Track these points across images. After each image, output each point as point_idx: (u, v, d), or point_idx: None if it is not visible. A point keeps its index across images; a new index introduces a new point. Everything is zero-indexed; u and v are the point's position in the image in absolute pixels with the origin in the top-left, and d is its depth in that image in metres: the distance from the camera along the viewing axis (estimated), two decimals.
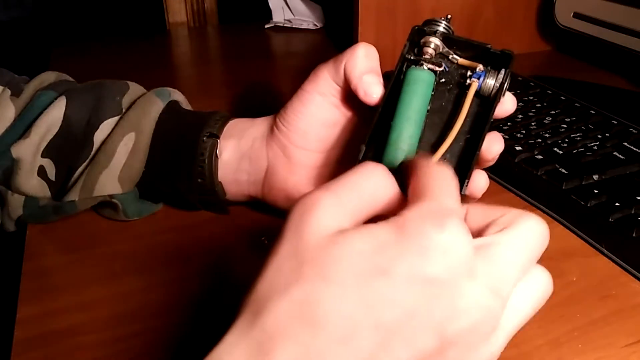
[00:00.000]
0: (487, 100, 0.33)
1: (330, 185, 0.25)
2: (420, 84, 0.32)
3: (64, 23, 1.95)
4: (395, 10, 0.76)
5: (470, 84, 0.32)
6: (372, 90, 0.35)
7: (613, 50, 0.70)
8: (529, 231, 0.25)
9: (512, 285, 0.24)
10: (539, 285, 0.26)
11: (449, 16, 0.34)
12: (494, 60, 0.33)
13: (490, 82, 0.32)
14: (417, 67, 0.33)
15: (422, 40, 0.34)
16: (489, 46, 0.33)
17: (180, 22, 1.07)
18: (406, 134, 0.31)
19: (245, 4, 1.14)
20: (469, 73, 0.33)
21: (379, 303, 0.21)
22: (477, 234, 0.26)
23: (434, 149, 0.32)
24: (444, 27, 0.34)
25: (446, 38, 0.34)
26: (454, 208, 0.24)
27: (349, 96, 0.38)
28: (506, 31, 0.84)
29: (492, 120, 0.32)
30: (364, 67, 0.36)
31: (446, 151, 0.31)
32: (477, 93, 0.33)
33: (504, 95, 0.33)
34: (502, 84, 0.32)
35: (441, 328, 0.21)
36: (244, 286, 0.23)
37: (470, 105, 0.32)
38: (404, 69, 0.34)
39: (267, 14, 1.02)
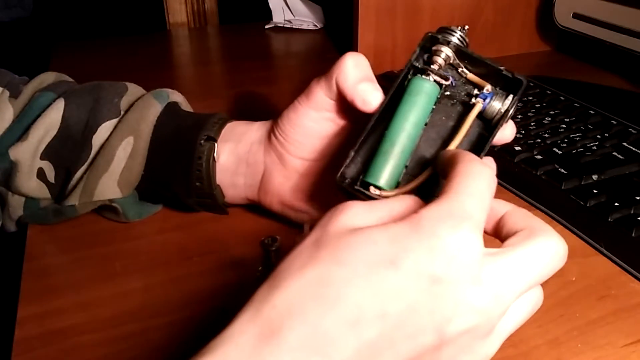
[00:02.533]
0: (488, 123, 0.32)
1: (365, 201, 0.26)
2: (423, 96, 0.31)
3: (64, 23, 1.95)
4: (395, 10, 0.76)
5: (474, 104, 0.31)
6: (370, 97, 0.34)
7: (612, 50, 0.70)
8: (545, 250, 0.25)
9: (516, 296, 0.24)
10: (533, 298, 0.26)
11: (466, 27, 0.33)
12: (504, 83, 0.32)
13: (496, 106, 0.31)
14: (423, 76, 0.32)
15: (434, 48, 0.32)
16: (502, 68, 0.32)
17: (181, 22, 1.07)
18: (398, 146, 0.30)
19: (246, 4, 1.14)
20: (475, 91, 0.32)
21: (385, 292, 0.22)
22: (505, 236, 0.26)
23: (426, 164, 0.31)
24: (458, 38, 0.32)
25: (459, 51, 0.32)
26: (473, 212, 0.24)
27: (344, 108, 0.38)
28: (506, 31, 0.84)
29: (489, 146, 0.31)
30: (356, 77, 0.35)
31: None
32: (480, 114, 0.31)
33: (507, 122, 0.31)
34: (507, 110, 0.31)
35: (441, 327, 0.22)
36: (243, 286, 0.24)
37: (471, 125, 0.31)
38: (409, 76, 0.33)
39: (267, 14, 1.02)
